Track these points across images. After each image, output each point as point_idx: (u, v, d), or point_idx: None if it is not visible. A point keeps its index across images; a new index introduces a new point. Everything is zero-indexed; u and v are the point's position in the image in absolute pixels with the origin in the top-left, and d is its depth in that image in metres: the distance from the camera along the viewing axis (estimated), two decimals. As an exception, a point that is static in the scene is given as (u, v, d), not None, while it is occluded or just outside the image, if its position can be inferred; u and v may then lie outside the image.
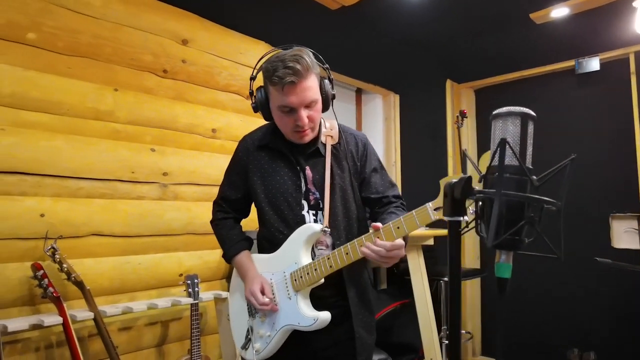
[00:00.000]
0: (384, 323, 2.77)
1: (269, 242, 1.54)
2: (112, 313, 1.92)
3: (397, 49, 3.55)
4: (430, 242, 2.67)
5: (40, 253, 1.85)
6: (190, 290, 2.15)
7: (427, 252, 3.12)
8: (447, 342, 2.87)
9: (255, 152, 1.54)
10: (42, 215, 1.89)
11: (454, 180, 0.67)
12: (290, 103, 1.34)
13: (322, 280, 1.41)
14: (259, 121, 1.65)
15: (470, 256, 3.59)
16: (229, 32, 2.64)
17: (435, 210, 1.18)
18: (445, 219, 0.68)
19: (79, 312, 1.85)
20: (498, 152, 0.63)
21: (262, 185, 1.52)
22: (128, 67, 2.23)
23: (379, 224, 1.31)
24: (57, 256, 1.81)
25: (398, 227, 1.27)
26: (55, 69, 1.99)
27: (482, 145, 3.69)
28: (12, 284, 1.79)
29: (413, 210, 1.25)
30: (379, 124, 3.94)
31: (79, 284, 1.84)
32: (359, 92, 3.98)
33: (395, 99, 3.91)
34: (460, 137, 3.38)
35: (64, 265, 1.81)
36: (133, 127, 2.23)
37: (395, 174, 3.81)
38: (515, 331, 3.57)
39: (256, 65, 1.49)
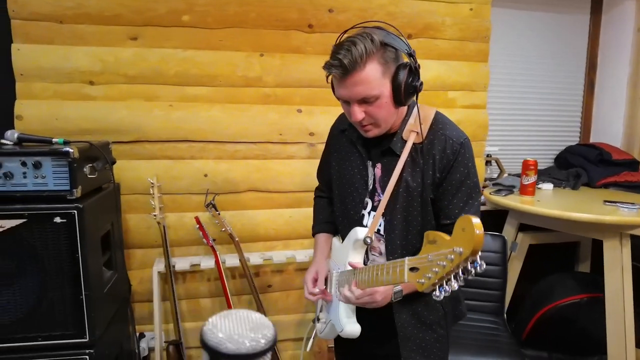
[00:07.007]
0: (563, 313, 2.26)
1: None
2: (254, 262, 2.24)
3: None
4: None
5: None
6: (331, 246, 2.27)
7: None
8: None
9: (338, 134, 1.43)
10: (205, 175, 2.27)
11: None
12: (340, 95, 1.18)
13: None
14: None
15: None
16: (382, -35, 2.30)
17: (411, 270, 0.85)
18: None
19: (229, 257, 2.24)
20: None
21: (338, 170, 1.41)
22: (273, 29, 2.27)
23: (357, 264, 1.21)
24: (212, 211, 2.18)
25: (363, 281, 1.13)
26: (209, 44, 2.21)
27: None
28: (189, 229, 2.28)
29: (385, 264, 1.03)
30: (627, 39, 2.86)
31: (230, 235, 2.19)
32: (597, -5, 2.91)
33: (655, 0, 2.71)
34: None
35: (217, 221, 2.18)
36: (282, 90, 2.32)
37: (642, 109, 2.78)
38: None
39: (336, 41, 1.22)
